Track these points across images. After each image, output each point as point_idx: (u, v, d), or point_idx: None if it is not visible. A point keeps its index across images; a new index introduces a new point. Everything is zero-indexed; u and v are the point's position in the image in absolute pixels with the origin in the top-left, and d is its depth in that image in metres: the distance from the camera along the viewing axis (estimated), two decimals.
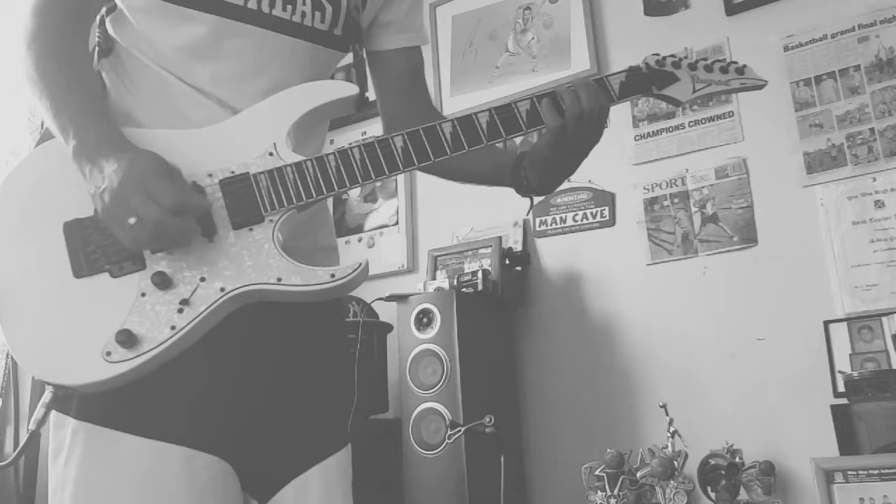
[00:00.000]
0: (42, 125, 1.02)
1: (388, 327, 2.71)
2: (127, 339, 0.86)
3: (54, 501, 0.91)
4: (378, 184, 3.25)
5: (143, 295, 0.89)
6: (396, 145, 0.98)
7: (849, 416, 2.00)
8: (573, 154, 1.07)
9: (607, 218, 2.72)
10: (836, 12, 2.45)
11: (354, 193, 3.31)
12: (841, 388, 2.16)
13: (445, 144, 0.99)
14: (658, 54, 1.09)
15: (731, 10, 2.61)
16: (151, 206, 0.85)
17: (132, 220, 0.86)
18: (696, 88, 1.08)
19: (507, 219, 2.86)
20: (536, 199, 1.16)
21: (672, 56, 1.09)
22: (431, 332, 2.42)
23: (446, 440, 2.17)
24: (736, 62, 1.10)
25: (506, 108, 1.02)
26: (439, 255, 2.89)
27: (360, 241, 3.22)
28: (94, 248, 0.91)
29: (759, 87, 1.10)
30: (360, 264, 0.94)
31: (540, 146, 1.06)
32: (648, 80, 1.07)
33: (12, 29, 1.00)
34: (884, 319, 2.24)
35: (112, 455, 0.90)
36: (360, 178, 0.97)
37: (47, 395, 0.90)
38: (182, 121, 0.99)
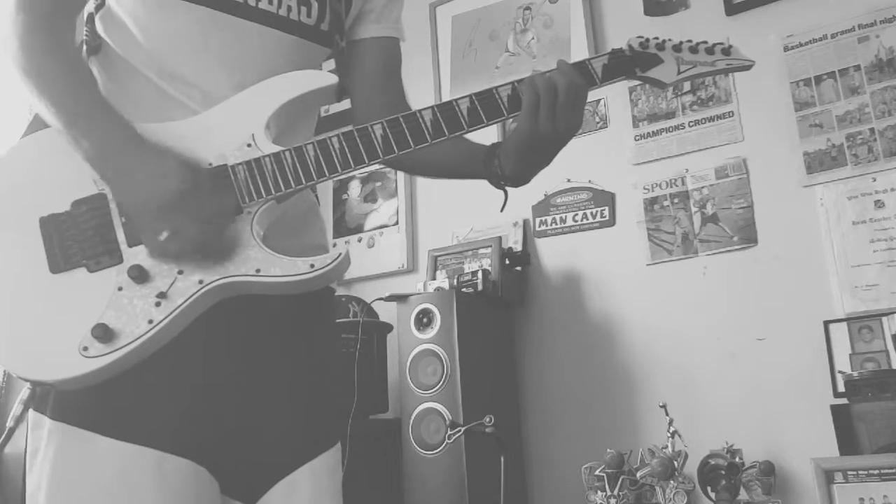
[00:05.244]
0: (35, 119, 1.01)
1: (388, 327, 2.71)
2: (103, 333, 0.85)
3: (31, 503, 0.90)
4: (378, 183, 3.25)
5: (120, 289, 0.88)
6: (376, 133, 0.97)
7: (849, 416, 2.00)
8: (550, 141, 1.04)
9: (607, 218, 2.72)
10: (836, 12, 2.45)
11: (354, 193, 3.31)
12: (841, 388, 2.16)
13: (426, 131, 0.98)
14: (642, 36, 1.08)
15: (731, 10, 2.61)
16: (189, 224, 0.87)
17: (164, 235, 0.87)
18: (680, 70, 1.07)
19: (507, 219, 2.86)
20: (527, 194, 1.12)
21: (656, 38, 1.08)
22: (431, 332, 2.42)
23: (446, 440, 2.17)
24: (722, 43, 1.09)
25: (487, 93, 1.01)
26: (439, 255, 2.88)
27: (360, 241, 3.22)
28: (71, 243, 0.89)
29: (747, 68, 1.09)
30: (341, 254, 0.92)
31: (518, 127, 1.04)
32: (632, 63, 1.06)
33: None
34: (884, 319, 2.24)
35: (85, 457, 0.89)
36: (339, 168, 0.96)
37: (25, 392, 0.89)
38: (169, 119, 0.98)
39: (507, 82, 1.02)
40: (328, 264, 0.92)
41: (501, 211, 1.14)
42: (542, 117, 1.00)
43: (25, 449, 0.93)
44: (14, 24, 0.96)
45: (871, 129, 2.36)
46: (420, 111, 0.99)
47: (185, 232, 0.87)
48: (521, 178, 1.10)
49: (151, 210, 0.87)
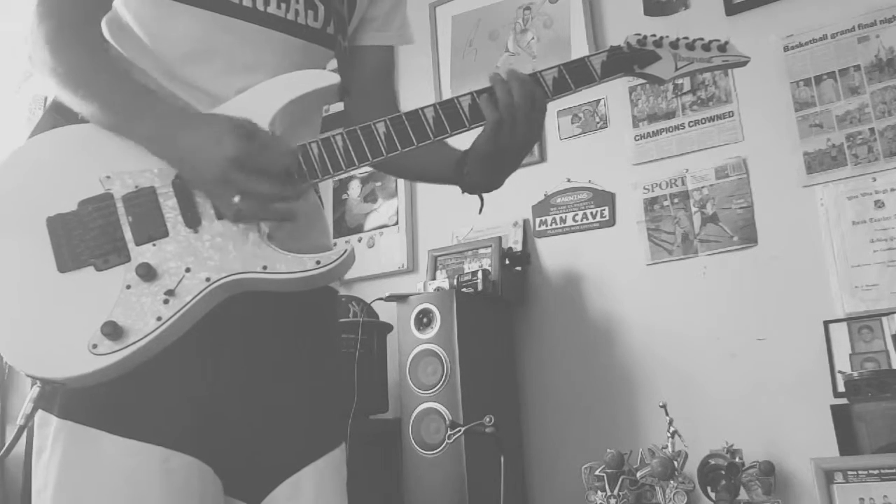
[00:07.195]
0: (41, 120, 1.02)
1: (388, 327, 2.71)
2: (112, 331, 0.86)
3: (37, 501, 0.91)
4: (378, 183, 3.25)
5: (128, 287, 0.89)
6: (379, 131, 0.99)
7: (849, 416, 1.99)
8: (513, 148, 1.06)
9: (607, 218, 2.72)
10: (836, 12, 2.45)
11: (354, 193, 3.31)
12: (841, 388, 2.16)
13: (428, 128, 1.00)
14: (640, 34, 1.10)
15: (731, 10, 2.61)
16: (256, 181, 0.88)
17: (237, 198, 0.88)
18: (678, 66, 1.10)
19: (507, 219, 2.86)
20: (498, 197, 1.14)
21: (653, 35, 1.11)
22: (431, 332, 2.42)
23: (446, 440, 2.17)
24: (718, 39, 1.12)
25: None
26: (439, 255, 2.88)
27: (360, 241, 3.22)
28: (78, 242, 0.90)
29: (743, 64, 1.11)
30: (346, 251, 0.94)
31: (480, 141, 1.07)
32: (630, 60, 1.09)
33: (23, 35, 0.99)
34: (884, 319, 2.24)
35: (91, 455, 0.90)
36: (343, 166, 0.97)
37: (34, 391, 0.90)
38: None
39: (467, 93, 1.04)
40: (334, 261, 0.93)
41: (479, 213, 1.18)
42: (504, 134, 1.03)
43: (26, 448, 0.93)
44: (41, 32, 0.97)
45: (871, 129, 2.36)
46: (422, 109, 1.01)
47: (255, 189, 0.89)
48: (490, 185, 1.14)
49: (217, 175, 0.88)
